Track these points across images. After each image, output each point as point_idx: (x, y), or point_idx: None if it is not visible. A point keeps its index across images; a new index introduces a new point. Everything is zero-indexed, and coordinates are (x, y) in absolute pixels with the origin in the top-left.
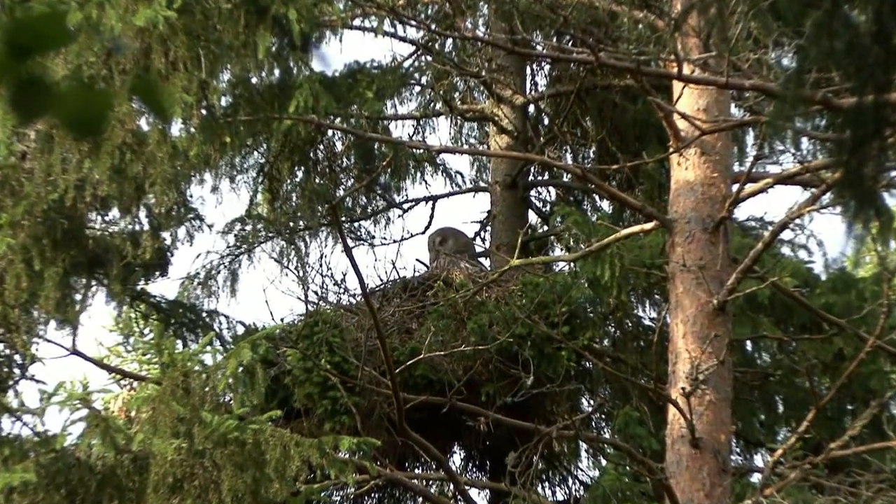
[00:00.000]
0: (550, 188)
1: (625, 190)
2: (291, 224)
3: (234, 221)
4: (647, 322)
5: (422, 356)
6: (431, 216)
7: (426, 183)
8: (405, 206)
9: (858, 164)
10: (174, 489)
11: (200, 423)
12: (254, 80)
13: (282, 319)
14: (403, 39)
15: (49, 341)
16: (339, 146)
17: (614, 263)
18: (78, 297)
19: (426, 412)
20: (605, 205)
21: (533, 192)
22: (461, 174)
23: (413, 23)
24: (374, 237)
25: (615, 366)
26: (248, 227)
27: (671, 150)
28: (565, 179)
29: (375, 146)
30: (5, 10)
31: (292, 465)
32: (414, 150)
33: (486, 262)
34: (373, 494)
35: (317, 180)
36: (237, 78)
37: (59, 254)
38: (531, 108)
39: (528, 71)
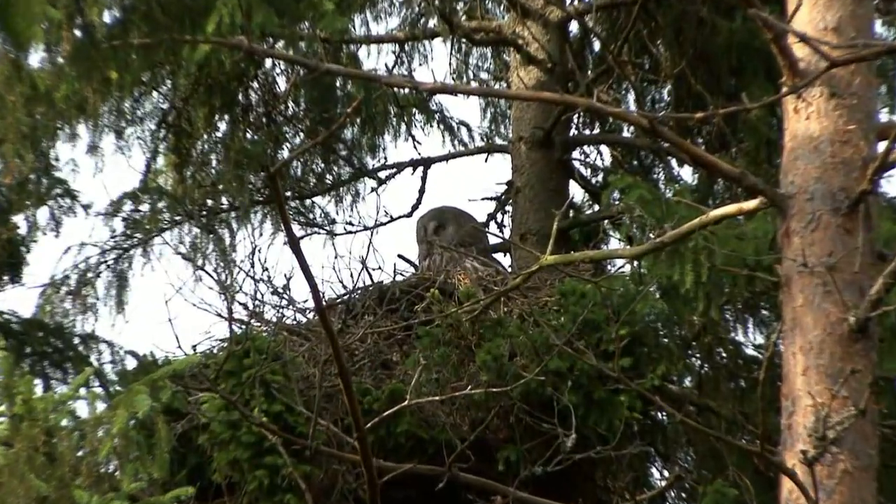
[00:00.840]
0: (602, 148)
1: (716, 151)
2: (209, 202)
3: (122, 199)
4: (749, 351)
5: (407, 403)
6: (422, 191)
7: (414, 140)
8: (382, 175)
9: None
10: None
11: None
12: None
13: (194, 348)
14: None
15: None
16: (281, 84)
17: (700, 263)
18: None
19: (414, 488)
20: (686, 173)
21: (576, 154)
22: (467, 126)
23: None
24: (334, 222)
25: (701, 417)
26: (144, 208)
27: (785, 90)
28: (625, 134)
29: (337, 84)
30: None
31: None
32: (395, 91)
33: (504, 259)
34: None
35: (248, 136)
36: None
37: None
38: (573, 27)
39: None
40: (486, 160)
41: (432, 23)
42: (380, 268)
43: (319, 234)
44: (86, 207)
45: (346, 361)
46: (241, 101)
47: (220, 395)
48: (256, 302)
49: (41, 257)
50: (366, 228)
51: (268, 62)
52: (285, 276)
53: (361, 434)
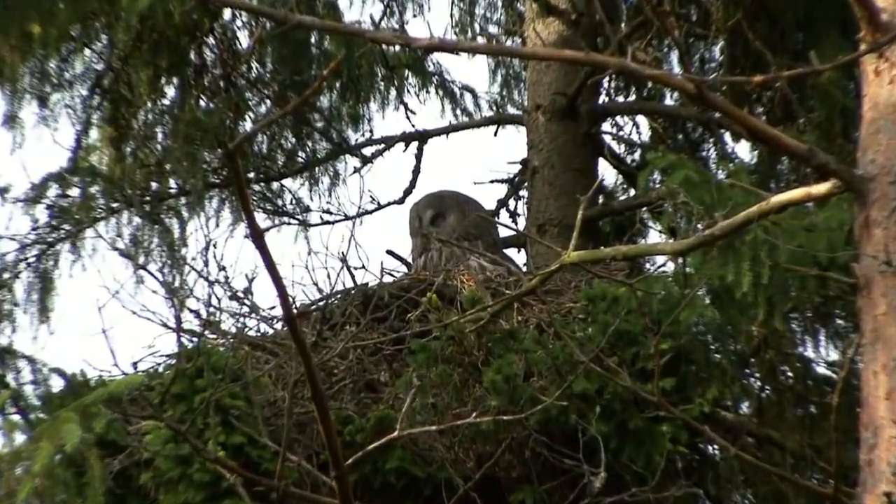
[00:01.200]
0: (639, 119)
1: (779, 122)
2: (154, 185)
3: (46, 182)
4: (820, 370)
5: (397, 434)
6: (416, 171)
7: (406, 110)
8: (367, 152)
9: None
10: None
11: None
12: None
13: (135, 366)
14: None
15: None
16: (242, 41)
17: (759, 260)
18: None
19: None
20: (742, 149)
21: (606, 127)
22: (471, 92)
23: None
24: (308, 210)
25: (761, 451)
26: (74, 193)
27: (863, 47)
28: (667, 102)
29: (312, 40)
30: None
31: None
32: (384, 49)
33: (517, 256)
34: None
35: (202, 104)
36: None
37: None
38: None
39: None
40: (495, 134)
41: None
42: (364, 266)
43: (290, 224)
44: (1, 192)
45: (323, 382)
46: (193, 60)
47: (166, 425)
48: (211, 309)
49: None
50: (347, 218)
51: (226, 13)
52: (247, 276)
53: (341, 472)
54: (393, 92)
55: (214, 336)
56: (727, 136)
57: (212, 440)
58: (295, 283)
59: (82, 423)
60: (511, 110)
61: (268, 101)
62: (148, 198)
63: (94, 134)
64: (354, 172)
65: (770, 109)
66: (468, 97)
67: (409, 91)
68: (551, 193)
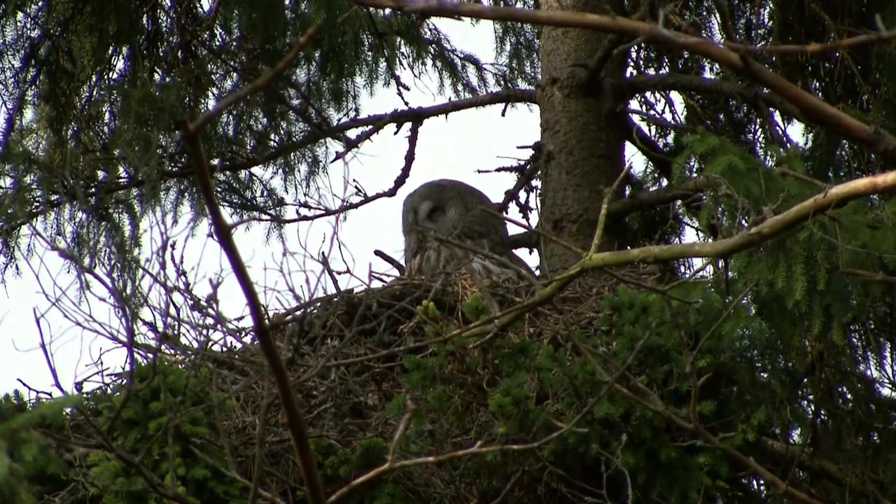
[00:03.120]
0: (672, 95)
1: (839, 99)
2: (101, 174)
3: None
4: (884, 391)
5: (388, 466)
6: (410, 157)
7: (399, 85)
8: (352, 134)
9: None
10: None
11: None
12: None
13: (78, 386)
14: None
15: None
16: (205, 2)
17: (815, 263)
18: None
19: None
20: (795, 131)
21: (634, 105)
22: (475, 63)
23: None
24: (282, 203)
25: (816, 487)
26: (5, 183)
27: None
28: (706, 75)
29: (286, 2)
30: None
31: None
32: (372, 12)
33: (528, 257)
34: None
35: (156, 77)
36: None
37: None
38: None
39: None
40: (503, 113)
41: None
42: (349, 270)
43: (261, 220)
44: None
45: (301, 406)
46: (145, 26)
47: (116, 455)
48: (169, 320)
49: None
50: (328, 213)
51: None
52: (211, 282)
53: None
54: (383, 64)
55: (173, 352)
56: (777, 116)
57: (170, 473)
58: (268, 290)
59: (11, 452)
60: (522, 85)
61: (234, 75)
62: (93, 189)
63: (28, 114)
64: (337, 159)
65: (828, 84)
66: (471, 70)
67: (401, 63)
68: (569, 183)
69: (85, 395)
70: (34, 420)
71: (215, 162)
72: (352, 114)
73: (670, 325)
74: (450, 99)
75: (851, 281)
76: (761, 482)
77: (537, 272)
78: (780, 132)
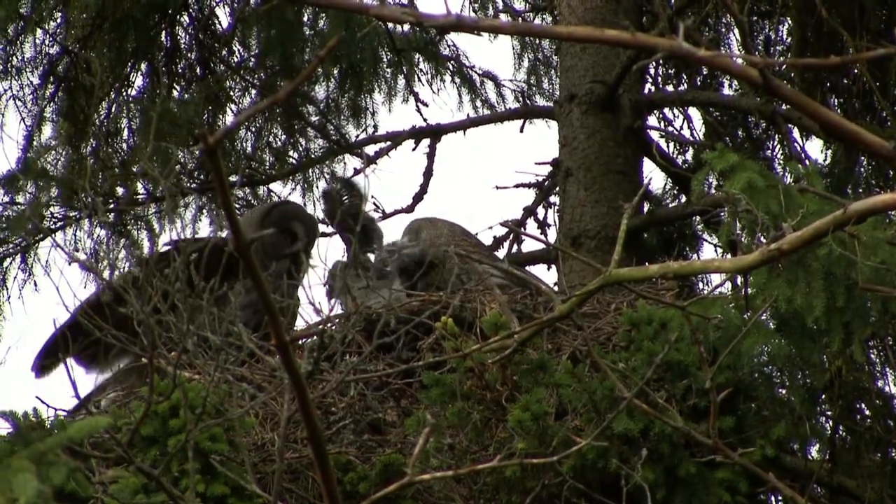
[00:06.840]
0: (691, 112)
1: (858, 115)
2: (119, 191)
3: None
4: None
5: (407, 480)
6: (428, 173)
7: (417, 101)
8: (371, 150)
9: None
10: None
11: None
12: None
13: (98, 404)
14: None
15: None
16: (223, 19)
17: (834, 280)
18: None
19: None
20: (814, 147)
21: (652, 121)
22: (493, 80)
23: None
24: None
25: (835, 502)
26: (24, 199)
27: None
28: (725, 91)
29: (305, 18)
30: None
31: None
32: (390, 27)
33: (544, 275)
34: None
35: (176, 93)
36: None
37: None
38: None
39: None
40: (521, 129)
41: None
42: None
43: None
44: None
45: (320, 421)
46: (164, 42)
47: (136, 469)
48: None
49: None
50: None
51: None
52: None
53: None
54: (401, 80)
55: (192, 368)
56: (795, 133)
57: (190, 490)
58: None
59: (38, 474)
60: (540, 101)
61: (253, 91)
62: (112, 205)
63: (47, 130)
64: (356, 174)
65: (847, 100)
66: (490, 86)
67: (420, 79)
68: (588, 200)
69: (106, 416)
70: (61, 442)
71: (234, 179)
72: (370, 130)
73: (689, 341)
74: (468, 115)
75: (871, 297)
76: (780, 498)
77: (555, 288)
78: (799, 148)
